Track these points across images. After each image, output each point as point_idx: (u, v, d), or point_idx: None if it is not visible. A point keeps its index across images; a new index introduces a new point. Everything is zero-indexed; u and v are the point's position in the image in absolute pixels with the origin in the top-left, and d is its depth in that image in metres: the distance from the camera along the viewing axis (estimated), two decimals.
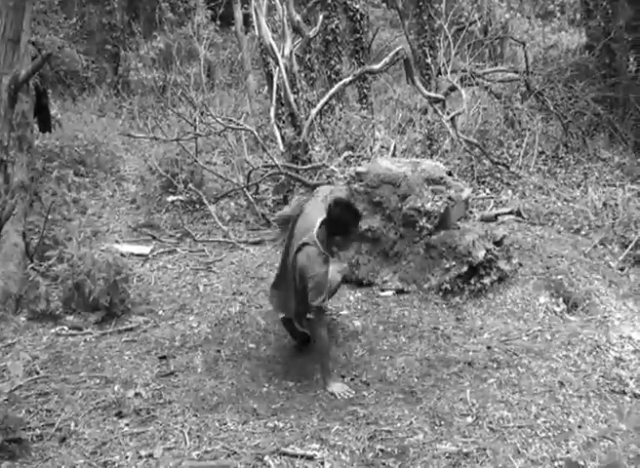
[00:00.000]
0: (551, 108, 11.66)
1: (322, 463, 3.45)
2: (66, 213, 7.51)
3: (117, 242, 7.13)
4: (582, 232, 7.24)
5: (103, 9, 16.57)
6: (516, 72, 12.71)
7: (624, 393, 4.15)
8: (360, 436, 3.72)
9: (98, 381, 4.45)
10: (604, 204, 7.85)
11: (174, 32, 15.75)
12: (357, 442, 3.66)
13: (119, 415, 4.00)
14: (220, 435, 3.77)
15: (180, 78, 11.53)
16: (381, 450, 3.58)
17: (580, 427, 3.75)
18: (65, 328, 5.26)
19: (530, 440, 3.63)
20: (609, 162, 10.54)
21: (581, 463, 3.23)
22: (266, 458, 3.46)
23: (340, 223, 4.50)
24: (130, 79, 15.97)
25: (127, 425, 3.90)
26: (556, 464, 3.40)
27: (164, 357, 4.84)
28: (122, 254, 5.87)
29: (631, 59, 14.08)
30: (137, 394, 4.26)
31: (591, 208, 7.71)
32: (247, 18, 12.64)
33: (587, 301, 5.51)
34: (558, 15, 21.18)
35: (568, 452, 3.50)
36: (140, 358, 4.83)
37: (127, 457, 3.54)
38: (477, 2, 15.15)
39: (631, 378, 4.28)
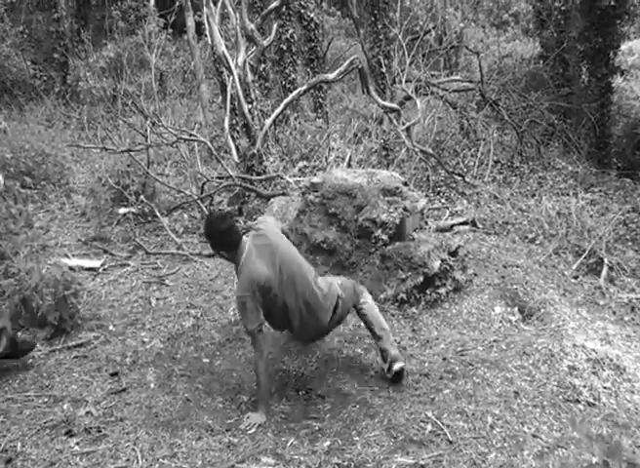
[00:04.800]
0: (506, 118, 11.83)
1: None
2: (13, 226, 7.28)
3: (66, 256, 6.98)
4: (537, 241, 7.33)
5: (51, 16, 16.30)
6: (471, 82, 12.86)
7: (578, 401, 4.18)
8: (316, 450, 3.69)
9: (46, 400, 4.34)
10: (558, 213, 7.96)
11: (124, 40, 15.56)
12: (313, 456, 3.63)
13: (68, 434, 3.90)
14: (174, 452, 3.70)
15: (131, 87, 11.39)
16: (338, 465, 3.55)
17: (534, 436, 3.77)
18: None
19: (485, 450, 3.63)
20: (563, 171, 10.72)
21: None
22: None
23: None
24: (79, 88, 15.68)
25: (77, 444, 3.80)
26: None
27: (115, 373, 4.73)
28: (71, 269, 5.72)
29: (584, 70, 14.39)
30: (87, 412, 4.15)
31: (545, 217, 7.81)
32: (199, 26, 12.55)
33: (542, 310, 5.56)
34: (512, 24, 21.52)
35: (523, 462, 3.51)
36: (90, 375, 4.71)
37: None
38: (432, 11, 15.31)
39: (585, 387, 4.31)
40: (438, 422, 3.91)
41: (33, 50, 16.78)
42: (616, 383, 4.41)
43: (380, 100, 9.88)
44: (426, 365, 4.75)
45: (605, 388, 4.34)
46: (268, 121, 8.77)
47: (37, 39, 16.98)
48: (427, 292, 5.73)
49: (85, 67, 15.33)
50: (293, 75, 13.44)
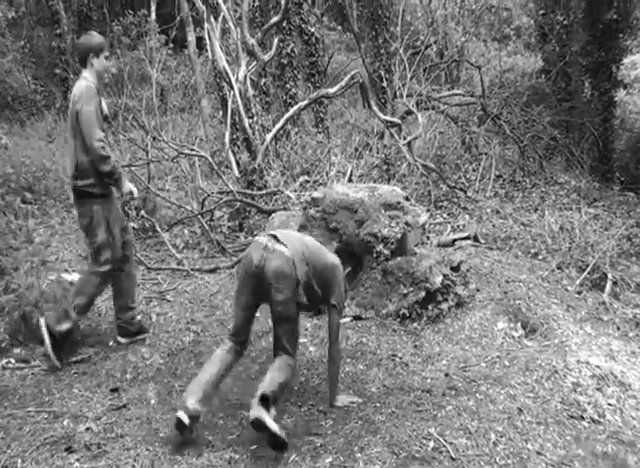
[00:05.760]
0: (508, 132, 11.82)
1: None
2: (13, 241, 7.25)
3: (67, 271, 6.94)
4: (540, 256, 7.29)
5: (53, 32, 16.38)
6: (473, 96, 12.85)
7: (582, 418, 4.13)
8: (318, 466, 3.65)
9: (46, 416, 4.30)
10: (561, 228, 7.92)
11: (126, 56, 15.62)
12: None
13: (69, 451, 3.86)
14: None
15: (132, 102, 11.39)
16: None
17: (538, 453, 3.73)
18: (12, 360, 5.09)
19: (488, 467, 3.57)
20: (565, 185, 10.70)
21: None
22: None
23: None
24: None
25: (77, 460, 3.76)
26: None
27: (115, 389, 4.70)
28: (72, 284, 5.70)
29: (586, 84, 14.41)
30: (87, 428, 4.12)
31: (548, 232, 7.77)
32: (200, 40, 12.59)
33: (545, 326, 5.51)
34: (514, 38, 21.56)
35: None
36: (90, 391, 4.68)
37: None
38: (433, 26, 15.33)
39: (589, 404, 4.27)
40: (441, 439, 3.86)
41: (34, 65, 16.84)
42: (620, 400, 4.37)
43: (381, 115, 9.88)
44: (429, 381, 4.71)
45: (610, 405, 4.30)
46: (269, 136, 8.78)
47: (38, 54, 17.03)
48: (429, 307, 5.69)
49: None
50: (294, 90, 13.47)
